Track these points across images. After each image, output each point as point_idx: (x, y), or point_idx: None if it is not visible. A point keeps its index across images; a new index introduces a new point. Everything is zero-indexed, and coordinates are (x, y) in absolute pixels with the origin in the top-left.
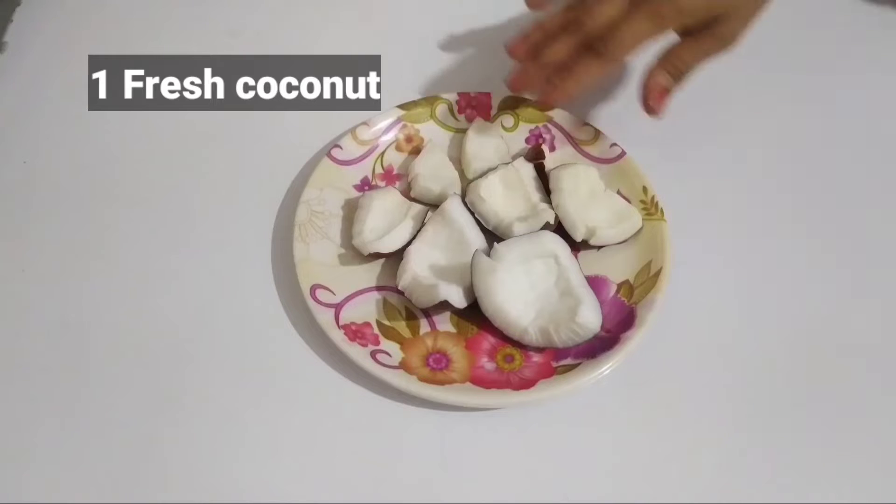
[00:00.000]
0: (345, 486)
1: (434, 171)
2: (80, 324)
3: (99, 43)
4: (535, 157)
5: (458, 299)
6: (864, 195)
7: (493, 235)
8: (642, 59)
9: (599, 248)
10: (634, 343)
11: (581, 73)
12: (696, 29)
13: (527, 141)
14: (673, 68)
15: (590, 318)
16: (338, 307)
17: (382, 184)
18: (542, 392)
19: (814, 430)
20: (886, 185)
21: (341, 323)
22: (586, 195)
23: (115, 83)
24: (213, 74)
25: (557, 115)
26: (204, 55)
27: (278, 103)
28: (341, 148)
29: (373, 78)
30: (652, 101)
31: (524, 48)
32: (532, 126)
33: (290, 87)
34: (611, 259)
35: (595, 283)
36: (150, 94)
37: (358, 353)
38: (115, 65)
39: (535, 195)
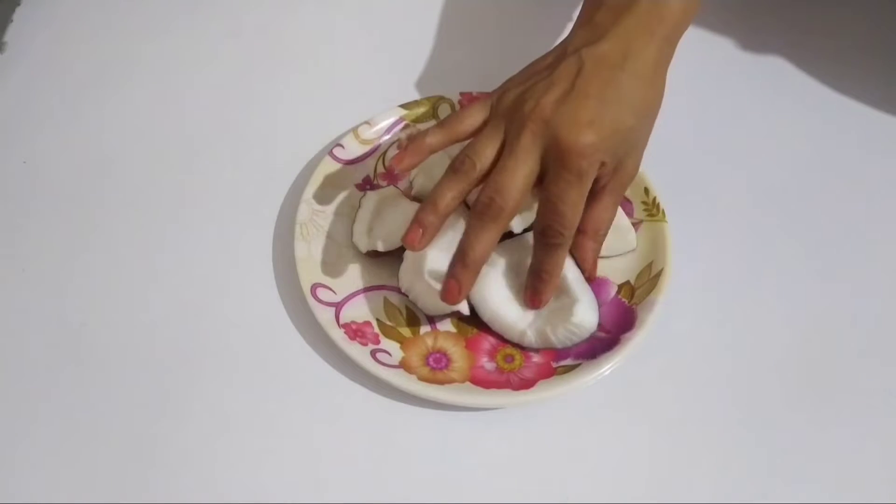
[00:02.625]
0: (344, 486)
1: (435, 171)
2: (80, 323)
3: (99, 43)
4: None
5: (464, 307)
6: (866, 196)
7: None
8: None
9: None
10: (635, 344)
11: (477, 249)
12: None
13: None
14: (595, 234)
15: (586, 318)
16: (338, 306)
17: (384, 183)
18: (542, 392)
19: (814, 431)
20: (888, 186)
21: (342, 322)
22: None
23: (115, 83)
24: (214, 74)
25: None
26: (204, 55)
27: (279, 102)
28: (343, 147)
29: (373, 78)
30: (593, 272)
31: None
32: None
33: (290, 87)
34: (612, 260)
35: (596, 283)
36: (150, 94)
37: (358, 352)
38: (115, 65)
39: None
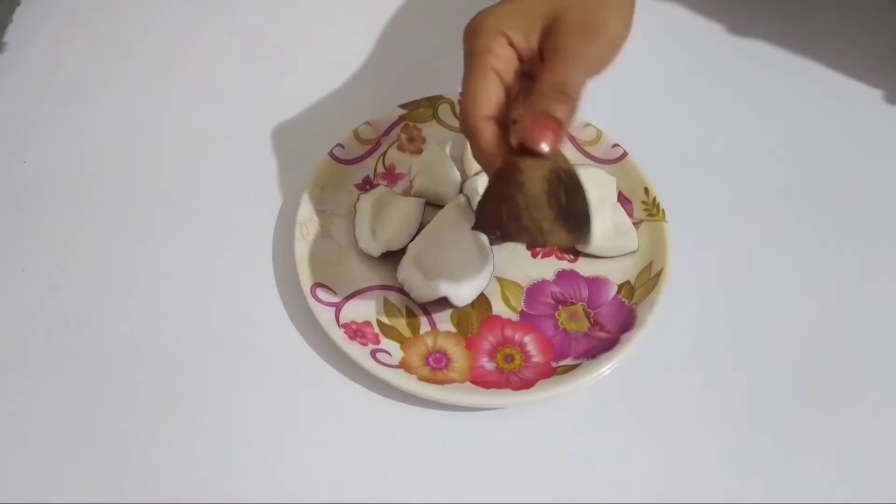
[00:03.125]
0: (344, 486)
1: (435, 171)
2: (80, 324)
3: (99, 43)
4: None
5: (457, 298)
6: (865, 196)
7: None
8: (651, 57)
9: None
10: (635, 344)
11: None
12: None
13: None
14: (560, 94)
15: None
16: (338, 306)
17: (384, 183)
18: (542, 392)
19: (814, 431)
20: (887, 186)
21: (342, 321)
22: (594, 200)
23: (115, 83)
24: (213, 74)
25: None
26: (204, 55)
27: (279, 102)
28: (343, 147)
29: (373, 78)
30: (545, 138)
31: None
32: None
33: (290, 87)
34: (612, 260)
35: (596, 283)
36: (149, 94)
37: (358, 352)
38: (114, 65)
39: None
